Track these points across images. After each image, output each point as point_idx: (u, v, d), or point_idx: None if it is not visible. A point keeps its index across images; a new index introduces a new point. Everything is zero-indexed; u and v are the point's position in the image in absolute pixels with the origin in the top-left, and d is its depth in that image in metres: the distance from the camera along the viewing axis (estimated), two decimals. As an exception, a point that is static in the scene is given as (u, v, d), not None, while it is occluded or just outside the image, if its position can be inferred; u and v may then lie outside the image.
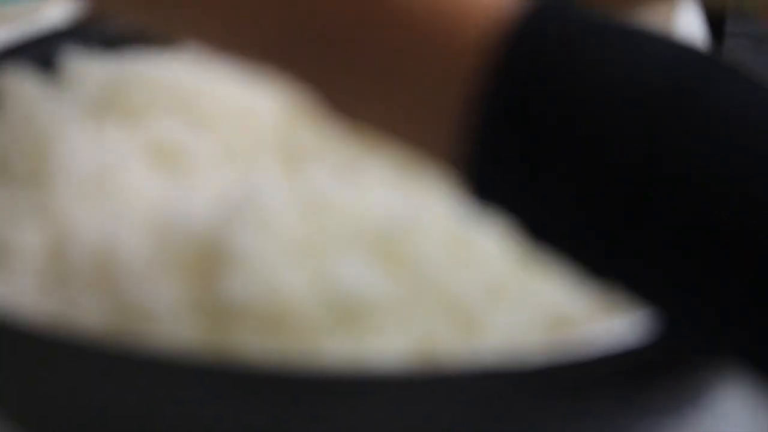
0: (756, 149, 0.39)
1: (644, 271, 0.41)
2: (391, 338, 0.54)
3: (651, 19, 0.96)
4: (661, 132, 0.39)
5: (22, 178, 0.62)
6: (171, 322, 0.54)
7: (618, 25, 0.42)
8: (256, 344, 0.54)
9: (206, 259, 0.55)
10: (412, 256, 0.55)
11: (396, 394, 0.49)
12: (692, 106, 0.40)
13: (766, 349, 0.39)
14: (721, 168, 0.39)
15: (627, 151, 0.40)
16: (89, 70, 0.71)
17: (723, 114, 0.40)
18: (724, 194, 0.39)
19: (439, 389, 0.49)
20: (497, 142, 0.42)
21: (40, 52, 0.73)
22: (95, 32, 0.75)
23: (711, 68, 0.41)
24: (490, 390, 0.50)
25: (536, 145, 0.41)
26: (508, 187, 0.43)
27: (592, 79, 0.41)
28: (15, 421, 0.58)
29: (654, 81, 0.40)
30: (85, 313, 0.55)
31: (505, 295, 0.57)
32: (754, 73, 0.69)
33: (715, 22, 1.64)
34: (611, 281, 0.43)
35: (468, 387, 0.49)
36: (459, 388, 0.49)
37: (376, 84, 0.43)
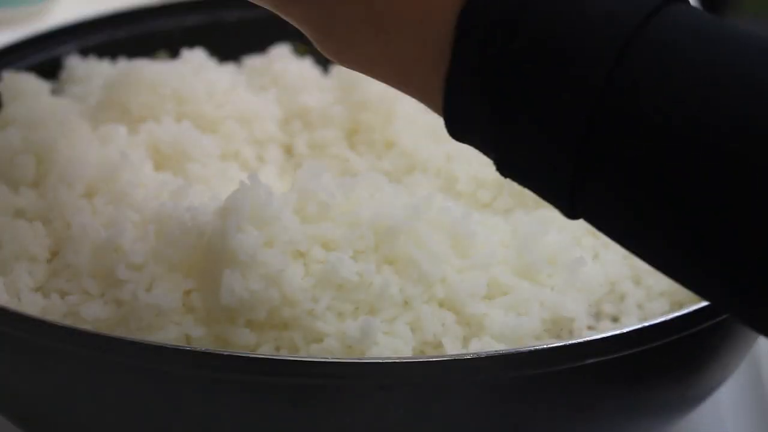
0: None
1: (614, 203, 0.42)
2: (392, 337, 0.54)
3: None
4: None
5: (23, 178, 0.62)
6: (172, 320, 0.54)
7: None
8: (256, 341, 0.54)
9: (207, 258, 0.55)
10: (412, 256, 0.55)
11: (395, 386, 0.49)
12: None
13: None
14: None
15: (587, 70, 0.41)
16: (90, 72, 0.71)
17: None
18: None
19: (439, 380, 0.49)
20: (467, 81, 0.43)
21: (43, 54, 0.73)
22: (97, 34, 0.75)
23: None
24: (490, 387, 0.50)
25: (502, 83, 0.42)
26: (478, 123, 0.44)
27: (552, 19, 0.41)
28: (15, 421, 0.58)
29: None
30: (86, 312, 0.55)
31: (505, 295, 0.57)
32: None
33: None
34: (579, 211, 0.43)
35: (468, 385, 0.49)
36: (459, 383, 0.49)
37: (368, 27, 0.45)
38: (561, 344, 0.49)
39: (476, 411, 0.50)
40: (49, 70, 0.72)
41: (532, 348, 0.49)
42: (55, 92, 0.70)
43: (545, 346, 0.49)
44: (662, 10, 0.41)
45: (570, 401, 0.51)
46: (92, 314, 0.55)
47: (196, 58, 0.71)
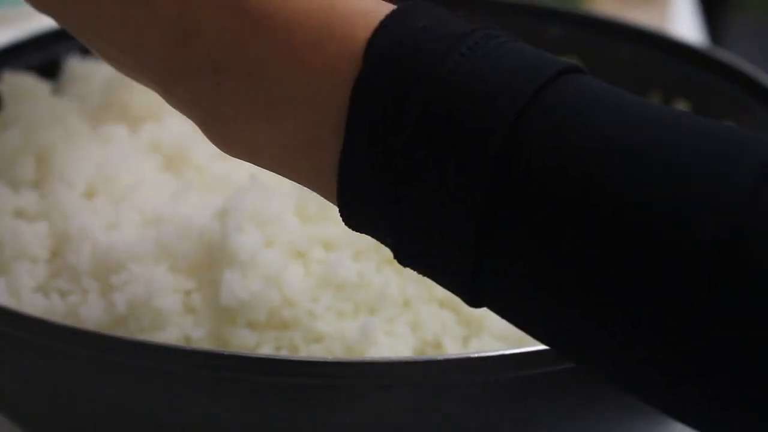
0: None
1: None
2: (392, 337, 0.54)
3: (645, 18, 0.96)
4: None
5: (23, 178, 0.62)
6: (172, 321, 0.54)
7: (478, 33, 0.41)
8: (256, 341, 0.54)
9: (207, 258, 0.55)
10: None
11: (395, 386, 0.49)
12: None
13: None
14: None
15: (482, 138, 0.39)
16: (90, 72, 0.71)
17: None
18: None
19: (439, 380, 0.49)
20: (360, 163, 0.41)
21: (42, 54, 0.73)
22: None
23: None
24: (490, 387, 0.50)
25: (393, 163, 0.41)
26: (372, 207, 0.42)
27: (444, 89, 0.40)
28: (15, 420, 0.58)
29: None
30: (86, 312, 0.55)
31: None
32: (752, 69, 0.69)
33: (714, 20, 1.64)
34: (482, 299, 0.42)
35: (468, 385, 0.49)
36: (459, 383, 0.49)
37: (256, 107, 0.43)
38: (561, 344, 0.49)
39: (476, 411, 0.50)
40: (49, 70, 0.72)
41: (532, 348, 0.49)
42: (55, 92, 0.70)
43: (545, 346, 0.49)
44: (559, 79, 0.40)
45: (570, 401, 0.51)
46: (92, 315, 0.55)
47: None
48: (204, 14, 0.43)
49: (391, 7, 0.43)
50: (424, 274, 0.43)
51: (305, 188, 0.56)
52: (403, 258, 0.43)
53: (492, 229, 0.39)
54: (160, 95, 0.45)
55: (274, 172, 0.45)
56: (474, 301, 0.42)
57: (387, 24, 0.42)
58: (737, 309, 0.36)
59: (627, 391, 0.41)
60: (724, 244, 0.36)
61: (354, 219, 0.43)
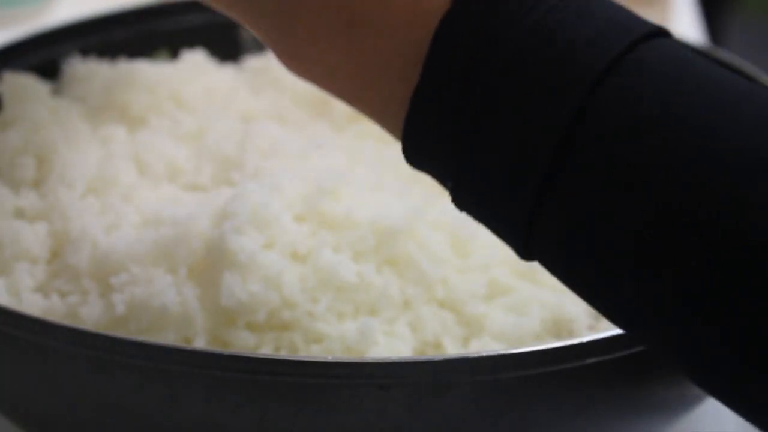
0: None
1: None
2: (392, 338, 0.54)
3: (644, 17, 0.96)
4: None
5: (23, 178, 0.62)
6: (172, 322, 0.54)
7: None
8: (256, 342, 0.54)
9: (207, 260, 0.55)
10: (413, 257, 0.55)
11: (395, 386, 0.49)
12: None
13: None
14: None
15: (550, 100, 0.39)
16: (90, 72, 0.71)
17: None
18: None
19: (439, 380, 0.49)
20: (434, 98, 0.41)
21: (42, 54, 0.73)
22: (97, 34, 0.75)
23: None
24: (490, 387, 0.50)
25: (469, 104, 0.40)
26: (437, 146, 0.42)
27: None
28: (15, 420, 0.58)
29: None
30: (86, 312, 0.55)
31: (505, 295, 0.57)
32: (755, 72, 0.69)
33: (715, 20, 1.64)
34: (533, 250, 0.41)
35: (468, 385, 0.49)
36: (459, 383, 0.49)
37: (336, 26, 0.42)
38: (561, 344, 0.49)
39: (476, 411, 0.50)
40: (49, 71, 0.72)
41: (532, 348, 0.49)
42: (55, 92, 0.70)
43: (545, 346, 0.49)
44: (647, 42, 0.40)
45: (570, 401, 0.51)
46: (92, 315, 0.55)
47: (196, 58, 0.71)
48: None
49: None
50: (479, 220, 0.43)
51: (305, 189, 0.56)
52: (461, 201, 0.42)
53: (554, 184, 0.39)
54: (232, 12, 0.44)
55: (339, 97, 0.44)
56: (525, 252, 0.42)
57: None
58: None
59: (675, 364, 0.41)
60: None
61: (416, 155, 0.43)
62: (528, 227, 0.40)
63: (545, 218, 0.40)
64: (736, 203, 0.37)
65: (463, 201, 0.42)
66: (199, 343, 0.54)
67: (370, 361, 0.51)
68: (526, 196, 0.40)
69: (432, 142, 0.42)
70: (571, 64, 0.39)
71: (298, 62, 0.44)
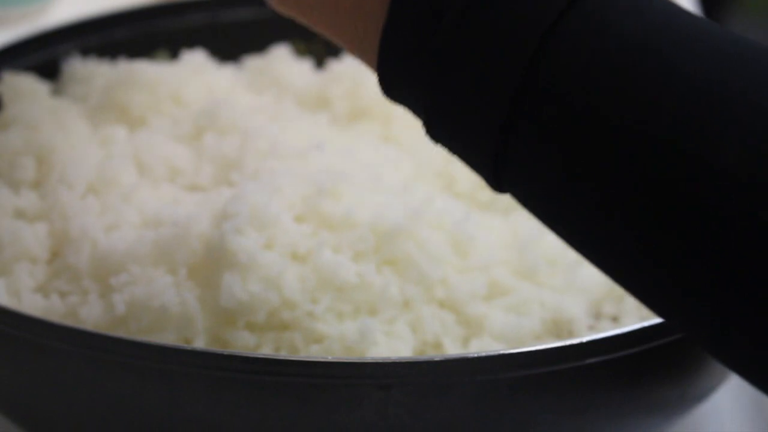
0: None
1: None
2: (392, 338, 0.54)
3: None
4: None
5: (23, 179, 0.62)
6: (171, 322, 0.54)
7: None
8: (256, 343, 0.54)
9: (206, 260, 0.55)
10: (412, 257, 0.55)
11: (395, 386, 0.49)
12: None
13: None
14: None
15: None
16: (90, 72, 0.71)
17: None
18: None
19: (439, 380, 0.49)
20: (403, 35, 0.43)
21: (42, 54, 0.73)
22: (97, 34, 0.75)
23: None
24: (490, 387, 0.50)
25: (436, 39, 0.41)
26: (410, 80, 0.43)
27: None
28: (15, 420, 0.58)
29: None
30: (86, 313, 0.55)
31: (505, 295, 0.57)
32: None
33: (715, 20, 1.63)
34: (503, 181, 0.42)
35: (468, 385, 0.49)
36: (459, 383, 0.49)
37: None
38: (561, 344, 0.49)
39: (476, 411, 0.50)
40: (49, 71, 0.72)
41: (532, 348, 0.49)
42: (55, 93, 0.70)
43: (545, 346, 0.49)
44: None
45: (570, 401, 0.51)
46: (92, 315, 0.55)
47: (196, 58, 0.71)
48: None
49: None
50: (452, 152, 0.44)
51: (305, 189, 0.56)
52: (434, 133, 0.44)
53: (520, 117, 0.40)
54: None
55: (322, 32, 0.46)
56: (496, 184, 0.43)
57: None
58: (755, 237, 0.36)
59: (631, 293, 0.41)
60: (749, 168, 0.36)
61: (390, 89, 0.44)
62: (496, 158, 0.41)
63: (513, 150, 0.41)
64: (696, 131, 0.38)
65: (436, 133, 0.44)
66: (199, 344, 0.54)
67: (370, 361, 0.51)
68: (494, 128, 0.41)
69: (404, 77, 0.43)
70: (526, 11, 0.40)
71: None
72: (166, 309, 0.54)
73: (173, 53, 0.74)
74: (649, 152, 0.38)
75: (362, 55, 0.45)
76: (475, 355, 0.49)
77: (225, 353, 0.50)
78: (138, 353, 0.49)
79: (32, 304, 0.56)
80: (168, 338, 0.54)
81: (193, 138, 0.64)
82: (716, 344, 0.40)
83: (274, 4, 0.46)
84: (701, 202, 0.37)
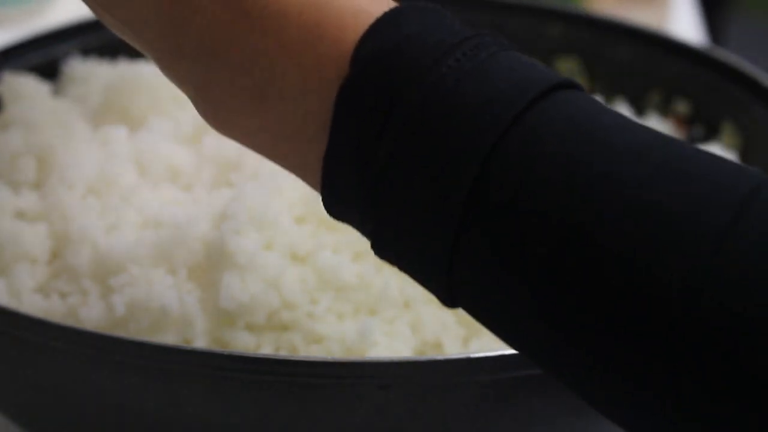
0: None
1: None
2: (392, 338, 0.54)
3: (645, 18, 0.96)
4: None
5: (24, 179, 0.62)
6: (171, 323, 0.54)
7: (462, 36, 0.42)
8: (256, 343, 0.54)
9: (206, 261, 0.55)
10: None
11: (395, 386, 0.49)
12: None
13: None
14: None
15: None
16: (90, 72, 0.71)
17: None
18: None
19: (439, 380, 0.49)
20: (344, 159, 0.42)
21: (42, 55, 0.73)
22: (97, 34, 0.75)
23: None
24: (490, 387, 0.50)
25: (377, 162, 0.41)
26: (354, 202, 0.43)
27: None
28: (15, 420, 0.58)
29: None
30: (86, 313, 0.55)
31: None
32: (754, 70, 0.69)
33: (715, 20, 1.64)
34: (456, 297, 0.42)
35: (468, 385, 0.49)
36: (459, 383, 0.49)
37: (245, 95, 0.44)
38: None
39: (476, 411, 0.50)
40: (49, 71, 0.72)
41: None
42: (55, 93, 0.70)
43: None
44: (544, 99, 0.40)
45: (570, 401, 0.51)
46: (92, 316, 0.55)
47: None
48: (200, 1, 0.44)
49: (384, 6, 0.43)
50: (401, 270, 0.44)
51: (304, 190, 0.56)
52: (381, 253, 0.44)
53: (464, 239, 0.40)
54: (159, 68, 0.46)
55: (264, 156, 0.45)
56: (449, 301, 0.42)
57: (376, 28, 0.42)
58: (692, 355, 0.37)
59: (582, 398, 0.42)
60: (686, 293, 0.37)
61: (335, 210, 0.44)
62: (447, 278, 0.41)
63: (461, 269, 0.41)
64: (641, 246, 0.38)
65: (383, 253, 0.43)
66: (199, 345, 0.54)
67: (370, 361, 0.51)
68: (441, 251, 0.41)
69: (347, 200, 0.43)
70: (467, 130, 0.40)
71: (219, 125, 0.45)
72: (165, 310, 0.54)
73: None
74: (594, 267, 0.38)
75: (306, 178, 0.45)
76: (475, 355, 0.49)
77: (225, 353, 0.50)
78: (138, 353, 0.49)
79: (32, 305, 0.56)
80: (168, 339, 0.54)
81: (193, 139, 0.64)
82: None
83: (218, 130, 0.45)
84: (650, 317, 0.38)
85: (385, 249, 0.43)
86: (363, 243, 0.56)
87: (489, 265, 0.40)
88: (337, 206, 0.44)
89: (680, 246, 0.37)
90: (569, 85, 0.41)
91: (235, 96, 0.44)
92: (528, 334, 0.41)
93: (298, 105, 0.43)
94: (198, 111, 0.45)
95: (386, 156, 0.41)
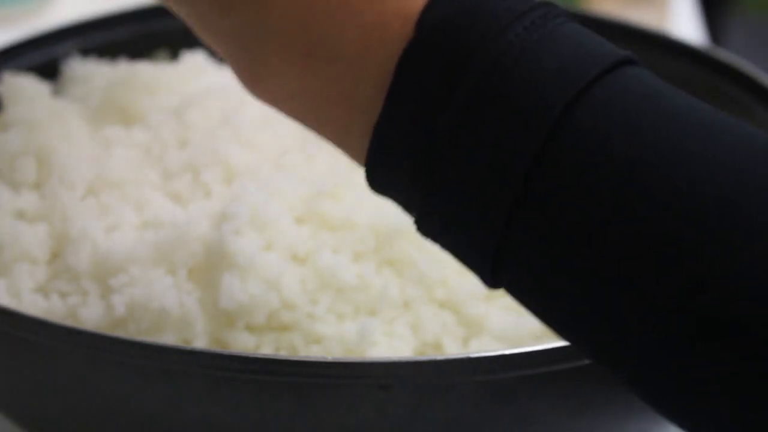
0: None
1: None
2: (392, 338, 0.54)
3: (644, 18, 0.96)
4: None
5: (24, 179, 0.62)
6: (171, 323, 0.54)
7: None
8: (256, 344, 0.54)
9: (206, 261, 0.55)
10: (412, 258, 0.55)
11: (395, 386, 0.49)
12: None
13: None
14: None
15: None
16: (91, 72, 0.71)
17: None
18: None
19: (439, 380, 0.49)
20: (398, 129, 0.41)
21: (42, 54, 0.73)
22: (97, 34, 0.75)
23: None
24: (490, 387, 0.50)
25: (434, 136, 0.40)
26: (402, 176, 0.41)
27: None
28: (15, 420, 0.58)
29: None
30: (86, 313, 0.55)
31: (505, 296, 0.57)
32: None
33: (715, 20, 1.64)
34: (499, 278, 0.41)
35: (468, 385, 0.49)
36: (459, 383, 0.49)
37: (298, 51, 0.42)
38: (561, 344, 0.49)
39: (476, 411, 0.50)
40: (49, 71, 0.72)
41: (532, 348, 0.49)
42: (55, 93, 0.70)
43: (545, 347, 0.49)
44: (611, 74, 0.40)
45: (570, 401, 0.51)
46: (92, 316, 0.55)
47: (196, 58, 0.71)
48: None
49: None
50: (444, 247, 0.42)
51: (304, 190, 0.56)
52: (426, 229, 0.42)
53: (520, 214, 0.39)
54: (196, 29, 0.44)
55: (300, 122, 0.43)
56: (492, 281, 0.41)
57: None
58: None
59: (632, 390, 0.41)
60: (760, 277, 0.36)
61: (379, 182, 0.42)
62: (495, 255, 0.40)
63: (512, 247, 0.40)
64: (695, 233, 0.37)
65: (428, 229, 0.42)
66: (199, 345, 0.54)
67: (370, 361, 0.51)
68: (493, 228, 0.40)
69: (396, 172, 0.41)
70: (535, 99, 0.39)
71: (257, 86, 0.43)
72: (165, 310, 0.54)
73: (173, 53, 0.74)
74: (654, 254, 0.37)
75: (346, 147, 0.43)
76: (475, 355, 0.49)
77: (225, 353, 0.50)
78: (138, 353, 0.49)
79: (32, 305, 0.56)
80: (168, 339, 0.54)
81: (193, 139, 0.64)
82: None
83: (254, 93, 0.43)
84: (710, 314, 0.37)
85: (430, 223, 0.42)
86: (363, 243, 0.56)
87: (546, 241, 0.39)
88: (383, 177, 0.42)
89: (731, 235, 0.37)
90: (634, 62, 0.41)
91: (282, 53, 0.42)
92: (573, 319, 0.40)
93: (352, 66, 0.41)
94: (234, 71, 0.43)
95: (449, 125, 0.39)
